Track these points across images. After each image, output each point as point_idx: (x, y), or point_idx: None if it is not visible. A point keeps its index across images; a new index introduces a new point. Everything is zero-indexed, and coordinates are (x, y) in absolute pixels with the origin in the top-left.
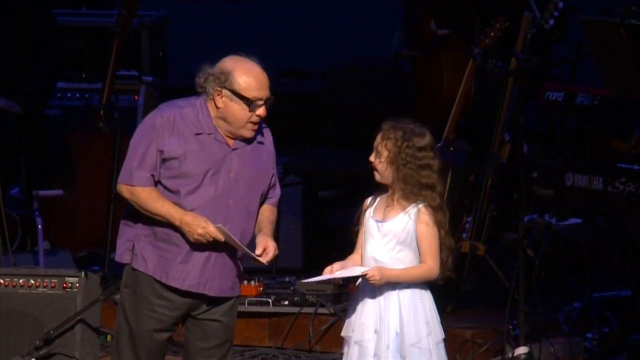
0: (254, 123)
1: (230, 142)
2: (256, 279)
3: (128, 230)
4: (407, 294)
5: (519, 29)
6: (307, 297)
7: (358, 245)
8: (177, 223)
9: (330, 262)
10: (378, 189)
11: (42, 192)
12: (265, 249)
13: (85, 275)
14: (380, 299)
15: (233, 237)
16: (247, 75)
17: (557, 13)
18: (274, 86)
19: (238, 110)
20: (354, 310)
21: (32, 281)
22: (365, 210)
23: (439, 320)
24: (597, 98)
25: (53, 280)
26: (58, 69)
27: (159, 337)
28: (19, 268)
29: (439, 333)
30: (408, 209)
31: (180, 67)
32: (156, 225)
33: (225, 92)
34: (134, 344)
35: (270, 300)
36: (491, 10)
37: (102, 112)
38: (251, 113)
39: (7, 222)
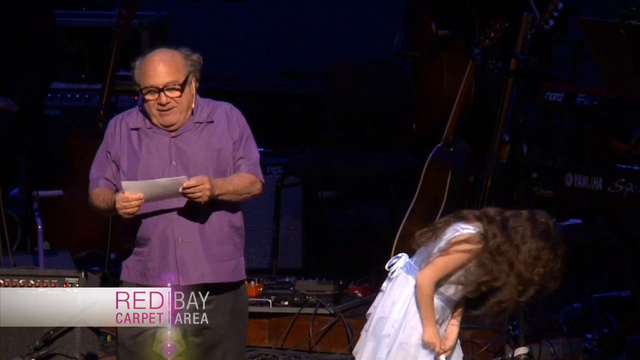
0: (162, 109)
1: (170, 129)
2: (256, 279)
3: None
4: None
5: (519, 30)
6: (307, 297)
7: (443, 276)
8: (115, 210)
9: (330, 262)
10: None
11: (42, 192)
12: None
13: (85, 275)
14: None
15: (146, 181)
16: (141, 65)
17: (557, 13)
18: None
19: (143, 100)
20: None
21: (32, 281)
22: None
23: None
24: (597, 98)
25: (53, 281)
26: (54, 68)
27: (141, 339)
28: (19, 268)
29: None
30: None
31: None
32: (129, 233)
33: (136, 86)
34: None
35: (270, 301)
36: (491, 10)
37: (102, 112)
38: (149, 101)
39: (7, 223)
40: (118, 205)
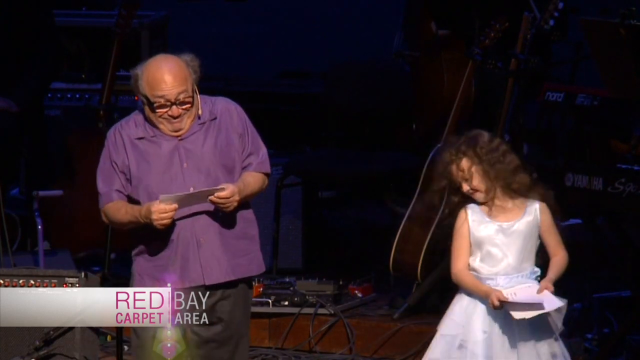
0: (171, 118)
1: (177, 134)
2: (256, 279)
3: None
4: None
5: (519, 29)
6: (307, 297)
7: (464, 256)
8: (143, 221)
9: (330, 262)
10: (379, 190)
11: (42, 193)
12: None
13: (85, 275)
14: None
15: (183, 193)
16: (146, 75)
17: (557, 13)
18: (270, 85)
19: (148, 110)
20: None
21: (32, 281)
22: (471, 221)
23: None
24: (597, 98)
25: (53, 281)
26: (54, 68)
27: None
28: (19, 268)
29: None
30: (526, 208)
31: None
32: (141, 242)
33: (140, 96)
34: (142, 352)
35: (270, 301)
36: (491, 10)
37: (101, 112)
38: (159, 113)
39: (7, 223)
40: (154, 217)
